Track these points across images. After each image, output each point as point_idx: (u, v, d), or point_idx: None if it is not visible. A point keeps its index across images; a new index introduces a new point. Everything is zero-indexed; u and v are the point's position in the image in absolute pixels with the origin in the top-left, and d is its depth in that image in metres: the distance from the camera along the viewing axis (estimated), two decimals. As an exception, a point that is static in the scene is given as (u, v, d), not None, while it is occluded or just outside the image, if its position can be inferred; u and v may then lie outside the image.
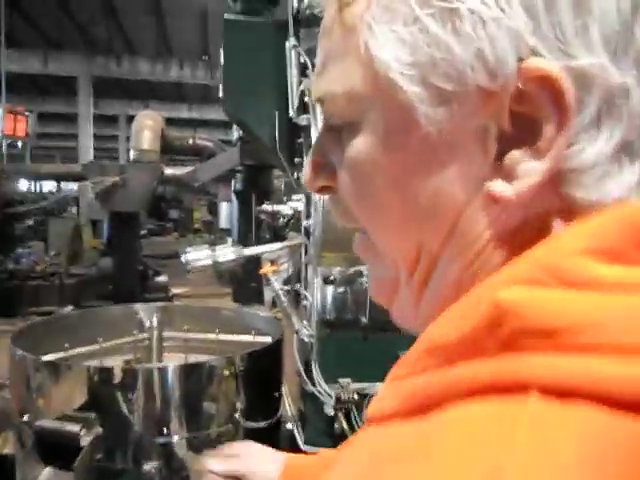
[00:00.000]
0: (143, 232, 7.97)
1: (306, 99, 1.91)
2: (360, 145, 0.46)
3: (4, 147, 8.55)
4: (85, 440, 1.75)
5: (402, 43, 0.41)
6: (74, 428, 1.89)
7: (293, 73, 2.00)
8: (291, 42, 1.99)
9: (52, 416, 1.99)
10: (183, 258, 1.88)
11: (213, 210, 11.56)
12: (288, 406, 2.23)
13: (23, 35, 15.07)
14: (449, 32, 0.40)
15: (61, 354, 2.16)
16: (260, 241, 4.74)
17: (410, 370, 0.42)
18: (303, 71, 1.99)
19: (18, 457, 2.09)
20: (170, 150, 7.46)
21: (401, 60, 0.42)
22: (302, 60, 1.99)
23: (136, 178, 6.02)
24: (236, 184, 6.27)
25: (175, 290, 7.28)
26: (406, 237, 0.47)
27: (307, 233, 1.92)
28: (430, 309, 0.47)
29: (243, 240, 5.83)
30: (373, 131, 0.45)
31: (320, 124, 0.58)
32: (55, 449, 1.80)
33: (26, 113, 8.60)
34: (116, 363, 2.15)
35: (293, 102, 1.99)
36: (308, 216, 1.89)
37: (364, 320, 1.90)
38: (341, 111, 0.47)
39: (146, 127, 6.58)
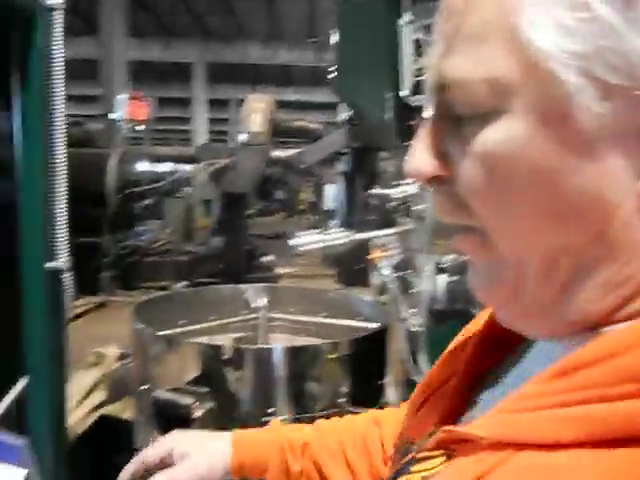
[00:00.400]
0: (250, 212, 8.21)
1: (420, 79, 1.83)
2: (501, 136, 0.41)
3: (127, 131, 9.10)
4: (197, 413, 1.81)
5: (565, 29, 0.37)
6: (188, 401, 1.98)
7: (406, 51, 1.92)
8: (406, 18, 1.91)
9: (168, 388, 2.10)
10: (293, 242, 1.88)
11: (318, 192, 11.68)
12: (392, 394, 2.20)
13: (145, 25, 15.98)
14: (623, 20, 0.35)
15: (176, 330, 2.27)
16: (365, 224, 4.69)
17: (587, 395, 0.38)
18: (417, 49, 1.91)
19: (137, 423, 2.24)
20: (278, 132, 7.60)
21: (563, 48, 0.37)
22: (416, 37, 1.90)
23: (246, 160, 6.20)
24: (342, 166, 6.26)
25: (280, 270, 7.45)
26: (545, 237, 0.42)
27: (418, 219, 1.85)
28: (570, 313, 0.43)
29: (347, 222, 5.83)
30: (520, 122, 0.40)
31: (435, 107, 0.51)
32: (170, 419, 1.88)
33: (147, 98, 9.10)
34: (225, 341, 2.23)
35: (406, 82, 1.92)
36: (420, 202, 1.83)
37: (474, 311, 1.82)
38: (476, 99, 0.42)
39: (256, 110, 6.73)
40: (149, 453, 0.92)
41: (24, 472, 1.00)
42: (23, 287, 1.00)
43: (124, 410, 2.90)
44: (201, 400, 2.00)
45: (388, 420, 0.88)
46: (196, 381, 2.06)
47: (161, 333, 2.12)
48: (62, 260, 1.00)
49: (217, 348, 2.00)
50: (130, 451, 1.56)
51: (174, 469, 0.88)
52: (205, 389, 2.04)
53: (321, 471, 0.86)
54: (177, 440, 0.95)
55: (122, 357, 3.51)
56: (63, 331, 1.08)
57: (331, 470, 0.85)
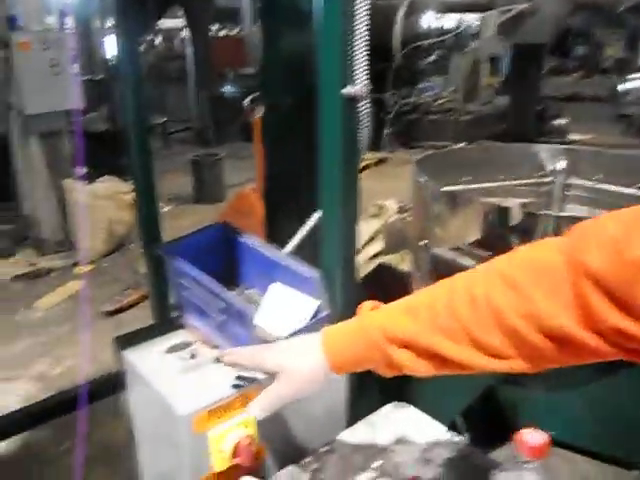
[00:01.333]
0: (543, 71, 7.30)
1: None
2: None
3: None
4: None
5: None
6: (468, 262, 1.90)
7: None
8: None
9: (447, 246, 2.04)
10: (621, 87, 1.50)
11: (632, 45, 9.81)
12: None
13: None
14: None
15: (460, 187, 2.14)
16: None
17: None
18: None
19: (413, 276, 2.27)
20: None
21: None
22: None
23: (548, 4, 5.36)
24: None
25: (574, 136, 6.65)
26: None
27: None
28: None
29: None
30: None
31: None
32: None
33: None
34: (513, 204, 2.03)
35: None
36: None
37: None
38: None
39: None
40: (242, 362, 0.84)
41: (317, 302, 1.03)
42: (320, 115, 0.95)
43: (401, 261, 2.99)
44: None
45: None
46: (478, 243, 1.95)
47: (446, 189, 2.01)
48: (359, 86, 0.90)
49: (504, 210, 1.83)
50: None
51: (274, 389, 0.79)
52: (487, 253, 1.92)
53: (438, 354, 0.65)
54: (270, 357, 0.82)
55: (401, 210, 3.58)
56: (356, 162, 1.02)
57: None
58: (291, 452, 1.03)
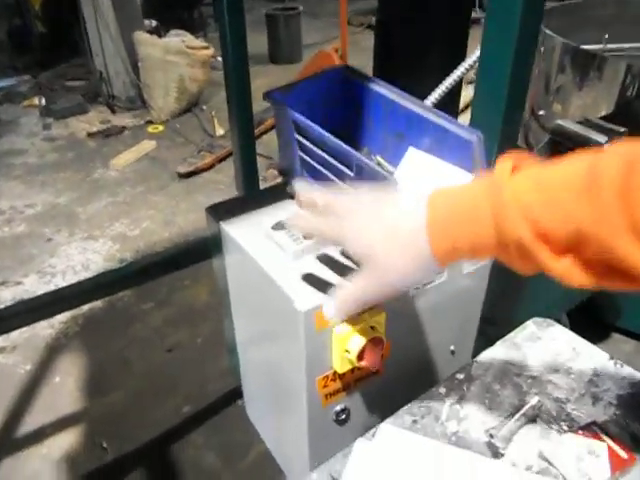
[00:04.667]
0: None
1: None
2: None
3: None
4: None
5: None
6: (600, 138, 1.61)
7: None
8: None
9: (572, 118, 1.74)
10: None
11: None
12: None
13: None
14: None
15: (596, 46, 1.78)
16: None
17: None
18: None
19: (534, 147, 1.98)
20: None
21: None
22: None
23: None
24: None
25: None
26: None
27: None
28: None
29: None
30: None
31: None
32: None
33: None
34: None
35: None
36: None
37: None
38: None
39: None
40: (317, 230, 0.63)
41: (471, 176, 0.81)
42: None
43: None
44: (614, 139, 1.61)
45: None
46: (612, 117, 1.64)
47: (583, 47, 1.66)
48: None
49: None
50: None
51: (358, 284, 0.57)
52: (622, 129, 1.62)
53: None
54: (353, 230, 0.57)
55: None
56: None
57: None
58: (414, 361, 0.89)
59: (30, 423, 1.71)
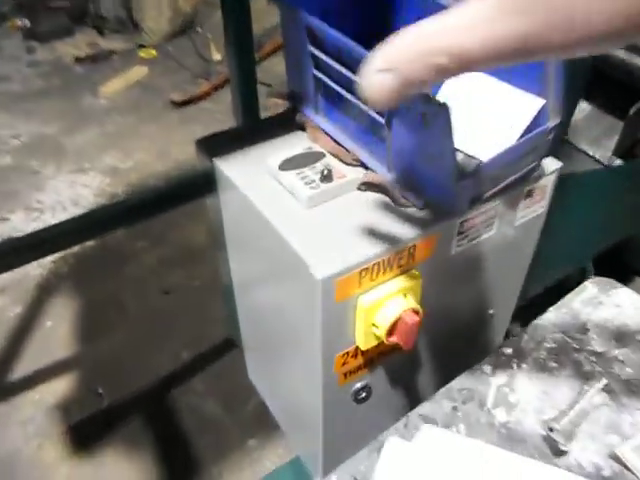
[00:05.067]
0: None
1: None
2: None
3: None
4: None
5: None
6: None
7: None
8: None
9: None
10: None
11: None
12: None
13: None
14: None
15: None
16: None
17: None
18: None
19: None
20: None
21: None
22: None
23: None
24: None
25: None
26: None
27: None
28: None
29: None
30: None
31: None
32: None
33: None
34: None
35: None
36: None
37: None
38: None
39: None
40: None
41: (540, 101, 0.65)
42: None
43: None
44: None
45: None
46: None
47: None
48: None
49: None
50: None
51: None
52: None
53: None
54: None
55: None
56: None
57: None
58: (446, 328, 0.77)
59: (22, 369, 1.63)
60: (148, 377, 1.60)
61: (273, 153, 0.71)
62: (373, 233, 0.60)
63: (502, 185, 0.64)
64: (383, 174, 0.66)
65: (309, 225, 0.63)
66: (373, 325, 0.57)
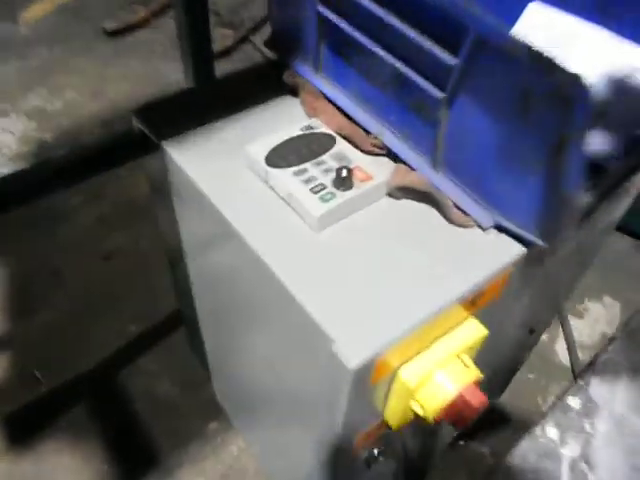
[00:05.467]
0: None
1: None
2: None
3: None
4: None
5: None
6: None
7: None
8: None
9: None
10: None
11: None
12: None
13: None
14: None
15: None
16: None
17: None
18: None
19: None
20: None
21: None
22: None
23: None
24: None
25: None
26: None
27: None
28: None
29: None
30: None
31: None
32: None
33: None
34: None
35: None
36: None
37: None
38: None
39: None
40: None
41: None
42: None
43: None
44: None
45: None
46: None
47: None
48: None
49: None
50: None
51: None
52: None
53: None
54: None
55: None
56: None
57: None
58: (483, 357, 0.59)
59: (-58, 352, 1.42)
60: (92, 357, 1.42)
61: (253, 135, 0.48)
62: (420, 273, 0.41)
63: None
64: (424, 173, 0.46)
65: (324, 265, 0.43)
66: (417, 401, 0.41)
